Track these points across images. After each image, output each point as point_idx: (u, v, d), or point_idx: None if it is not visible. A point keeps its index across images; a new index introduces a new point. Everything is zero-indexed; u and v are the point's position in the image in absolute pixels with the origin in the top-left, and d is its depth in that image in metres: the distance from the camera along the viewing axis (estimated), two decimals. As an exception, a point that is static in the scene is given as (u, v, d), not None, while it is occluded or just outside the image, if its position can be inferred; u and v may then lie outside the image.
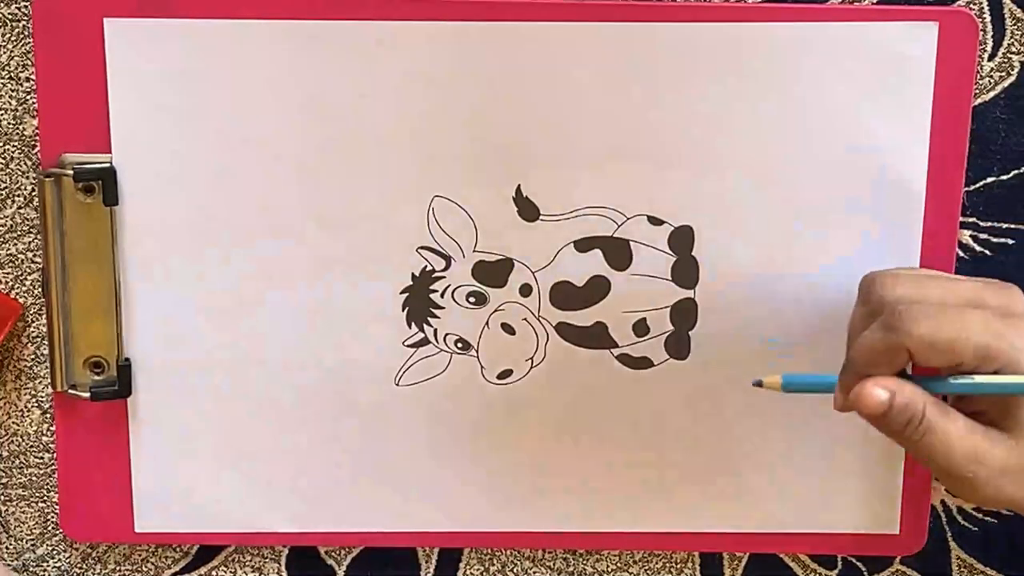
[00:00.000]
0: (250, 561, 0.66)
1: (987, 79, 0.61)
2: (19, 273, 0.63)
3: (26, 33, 0.60)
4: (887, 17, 0.59)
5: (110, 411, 0.63)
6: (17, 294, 0.63)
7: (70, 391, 0.63)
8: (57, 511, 0.65)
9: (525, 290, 0.62)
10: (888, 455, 0.64)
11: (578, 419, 0.63)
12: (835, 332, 0.59)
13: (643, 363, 0.63)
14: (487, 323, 0.62)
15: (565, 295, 0.62)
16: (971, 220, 0.62)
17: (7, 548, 0.66)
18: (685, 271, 0.62)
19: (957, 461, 0.53)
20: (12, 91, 0.61)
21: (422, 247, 0.62)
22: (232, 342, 0.62)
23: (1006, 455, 0.53)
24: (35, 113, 0.61)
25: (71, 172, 0.60)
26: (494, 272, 0.62)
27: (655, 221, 0.61)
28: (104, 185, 0.60)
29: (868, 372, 0.53)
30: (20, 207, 0.62)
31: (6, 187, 0.62)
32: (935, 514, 0.65)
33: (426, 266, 0.62)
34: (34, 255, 0.62)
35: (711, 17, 0.59)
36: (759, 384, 0.56)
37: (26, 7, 0.60)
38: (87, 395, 0.62)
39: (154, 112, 0.60)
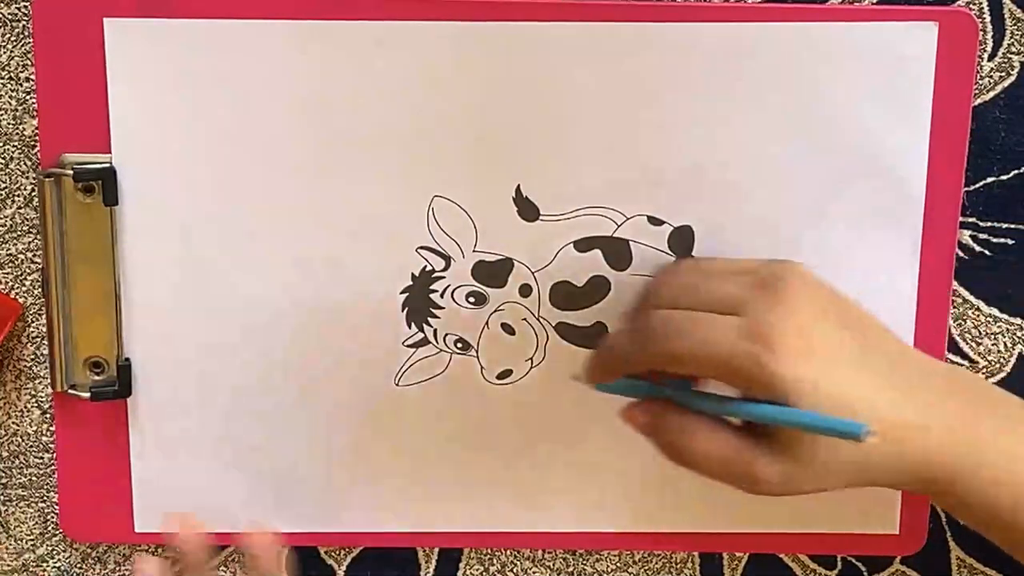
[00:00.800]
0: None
1: (987, 79, 0.61)
2: (19, 273, 0.63)
3: (26, 33, 0.60)
4: (887, 17, 0.59)
5: (110, 411, 0.63)
6: (17, 294, 0.63)
7: (70, 391, 0.63)
8: (57, 511, 0.65)
9: (525, 290, 0.62)
10: (888, 455, 0.64)
11: (578, 419, 0.63)
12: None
13: (643, 363, 0.63)
14: (487, 323, 0.62)
15: (565, 295, 0.62)
16: (971, 220, 0.62)
17: (7, 548, 0.66)
18: (685, 271, 0.62)
19: (731, 481, 0.54)
20: (12, 91, 0.61)
21: (422, 247, 0.62)
22: (232, 342, 0.62)
23: (771, 471, 0.53)
24: (35, 113, 0.61)
25: (71, 172, 0.60)
26: (494, 272, 0.62)
27: (655, 221, 0.61)
28: (104, 185, 0.60)
29: (621, 368, 0.56)
30: (20, 207, 0.62)
31: (6, 187, 0.62)
32: (935, 514, 0.65)
33: (426, 266, 0.62)
34: (34, 255, 0.62)
35: (711, 17, 0.59)
36: (577, 378, 0.58)
37: (26, 7, 0.60)
38: (87, 395, 0.62)
39: (154, 112, 0.60)
